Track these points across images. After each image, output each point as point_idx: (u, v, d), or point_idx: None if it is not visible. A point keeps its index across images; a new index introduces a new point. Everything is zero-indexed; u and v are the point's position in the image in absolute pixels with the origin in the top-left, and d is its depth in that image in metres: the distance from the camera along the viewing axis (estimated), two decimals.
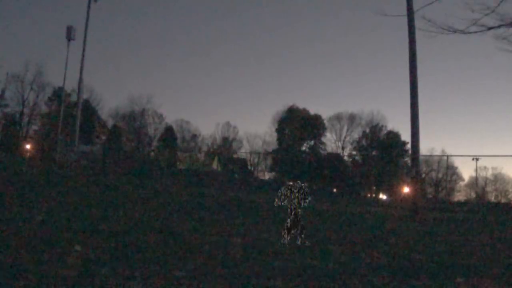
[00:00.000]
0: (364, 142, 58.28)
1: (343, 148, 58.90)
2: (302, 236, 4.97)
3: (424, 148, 47.01)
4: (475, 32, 9.47)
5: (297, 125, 57.86)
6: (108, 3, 71.30)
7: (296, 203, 4.98)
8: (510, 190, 55.42)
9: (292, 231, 4.95)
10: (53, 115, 50.72)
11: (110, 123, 60.07)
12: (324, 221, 8.71)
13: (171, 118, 63.55)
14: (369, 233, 7.05)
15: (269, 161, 57.87)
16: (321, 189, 48.49)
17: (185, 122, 61.89)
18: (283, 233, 4.96)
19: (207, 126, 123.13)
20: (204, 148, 62.48)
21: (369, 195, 53.53)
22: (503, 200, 50.23)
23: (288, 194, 5.02)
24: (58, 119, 33.47)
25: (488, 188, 54.70)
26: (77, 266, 2.98)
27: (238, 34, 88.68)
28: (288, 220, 4.97)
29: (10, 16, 78.10)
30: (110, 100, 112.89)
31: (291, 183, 5.18)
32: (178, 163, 57.80)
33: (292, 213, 4.99)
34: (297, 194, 5.01)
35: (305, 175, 51.84)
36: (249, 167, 55.50)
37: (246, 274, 3.21)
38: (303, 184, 5.14)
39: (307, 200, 5.01)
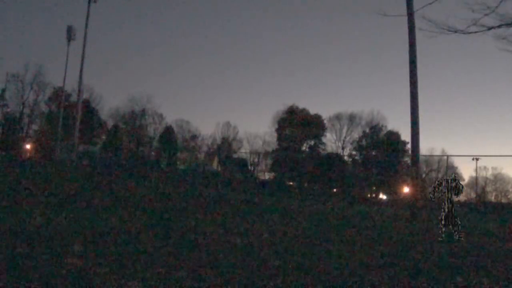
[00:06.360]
0: (364, 142, 58.23)
1: (343, 148, 58.85)
2: (457, 231, 4.71)
3: (424, 148, 47.04)
4: (475, 32, 9.47)
5: (297, 125, 57.84)
6: (108, 3, 71.29)
7: (450, 197, 4.71)
8: (510, 190, 55.42)
9: (450, 227, 4.73)
10: (53, 115, 50.72)
11: (110, 123, 60.11)
12: (323, 221, 8.71)
13: (171, 118, 63.73)
14: (368, 232, 7.04)
15: (269, 161, 57.84)
16: (321, 189, 48.49)
17: (185, 122, 61.98)
18: (440, 228, 4.74)
19: (207, 126, 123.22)
20: (204, 148, 62.52)
21: (369, 195, 53.45)
22: (503, 200, 50.20)
23: (442, 188, 4.74)
24: (58, 119, 33.42)
25: (488, 188, 54.67)
26: (77, 266, 2.97)
27: (238, 34, 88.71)
28: (443, 215, 4.76)
29: (10, 16, 78.10)
30: (110, 100, 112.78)
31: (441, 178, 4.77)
32: (178, 163, 57.88)
33: (446, 208, 4.75)
34: (450, 188, 4.71)
35: (305, 175, 51.83)
36: (249, 167, 55.48)
37: (246, 274, 3.21)
38: (454, 176, 4.84)
39: (460, 193, 4.73)
